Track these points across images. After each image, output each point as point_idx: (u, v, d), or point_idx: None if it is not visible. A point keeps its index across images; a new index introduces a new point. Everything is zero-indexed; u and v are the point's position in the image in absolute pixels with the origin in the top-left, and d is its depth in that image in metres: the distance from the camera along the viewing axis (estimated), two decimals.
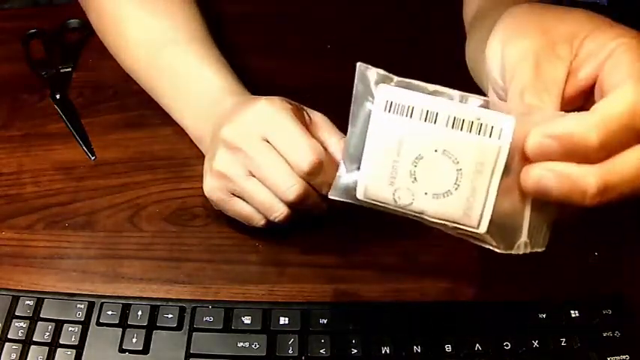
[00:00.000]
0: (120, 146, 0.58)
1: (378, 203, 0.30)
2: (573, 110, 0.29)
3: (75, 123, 0.60)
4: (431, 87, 0.29)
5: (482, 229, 0.29)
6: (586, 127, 0.27)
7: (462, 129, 0.28)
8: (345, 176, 0.31)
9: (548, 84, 0.30)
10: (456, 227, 0.29)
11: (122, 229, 0.53)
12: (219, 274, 0.50)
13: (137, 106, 0.60)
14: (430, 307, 0.47)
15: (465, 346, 0.44)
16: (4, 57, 0.66)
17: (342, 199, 0.32)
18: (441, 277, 0.49)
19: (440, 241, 0.50)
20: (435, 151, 0.28)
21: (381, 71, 0.30)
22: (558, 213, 0.30)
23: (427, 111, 0.28)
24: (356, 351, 0.44)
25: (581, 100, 0.32)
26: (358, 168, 0.30)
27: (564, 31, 0.31)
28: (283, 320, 0.45)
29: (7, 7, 0.73)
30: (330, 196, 0.32)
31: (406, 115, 0.28)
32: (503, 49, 0.32)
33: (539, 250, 0.30)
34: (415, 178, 0.29)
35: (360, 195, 0.30)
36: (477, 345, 0.44)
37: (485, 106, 0.28)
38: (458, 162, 0.28)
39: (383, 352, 0.44)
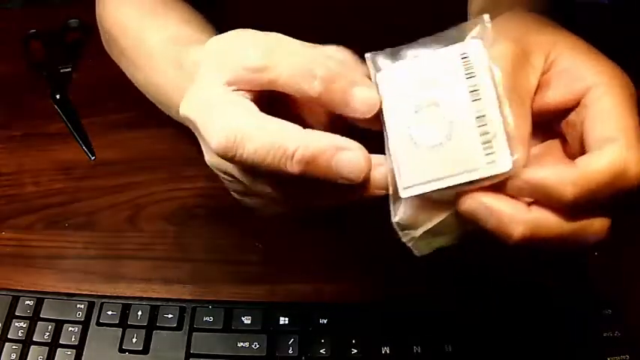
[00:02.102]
0: (120, 146, 0.58)
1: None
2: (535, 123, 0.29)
3: (75, 123, 0.60)
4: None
5: (404, 194, 0.29)
6: (563, 181, 0.27)
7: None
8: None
9: (518, 90, 0.29)
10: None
11: (122, 229, 0.53)
12: (219, 274, 0.50)
13: (137, 106, 0.60)
14: (430, 307, 0.47)
15: (465, 345, 0.44)
16: (4, 57, 0.66)
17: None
18: (441, 278, 0.49)
19: None
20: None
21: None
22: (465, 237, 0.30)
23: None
24: (356, 351, 0.44)
25: (548, 115, 0.31)
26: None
27: (542, 40, 0.31)
28: (283, 320, 0.45)
29: (7, 7, 0.73)
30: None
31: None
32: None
33: (415, 251, 0.31)
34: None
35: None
36: (477, 345, 0.44)
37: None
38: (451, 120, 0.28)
39: (383, 352, 0.44)
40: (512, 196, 0.28)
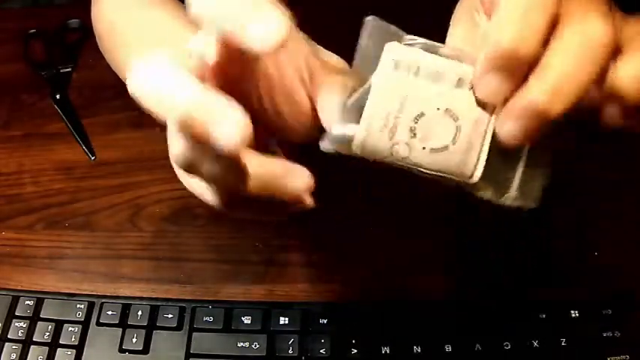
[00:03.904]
0: (120, 146, 0.58)
1: (373, 155, 0.31)
2: None
3: (75, 123, 0.60)
4: (444, 48, 0.29)
5: (475, 179, 0.30)
6: (499, 35, 0.25)
7: (465, 89, 0.28)
8: (340, 127, 0.30)
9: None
10: (450, 178, 0.30)
11: (122, 229, 0.53)
12: (219, 274, 0.50)
13: (137, 106, 0.60)
14: (430, 307, 0.47)
15: (464, 346, 0.44)
16: (4, 57, 0.66)
17: (335, 151, 0.31)
18: (441, 278, 0.49)
19: (440, 242, 0.51)
20: (438, 109, 0.29)
21: (392, 27, 0.30)
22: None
23: (435, 71, 0.29)
24: (356, 351, 0.44)
25: None
26: (356, 121, 0.30)
27: None
28: (283, 320, 0.45)
29: (7, 7, 0.73)
30: (322, 147, 0.31)
31: (413, 74, 0.29)
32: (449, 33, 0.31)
33: (530, 205, 0.31)
34: (414, 134, 0.29)
35: (357, 148, 0.30)
36: (477, 345, 0.44)
37: None
38: (458, 119, 0.29)
39: (383, 352, 0.44)
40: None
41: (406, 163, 0.30)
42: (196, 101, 0.23)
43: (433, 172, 0.30)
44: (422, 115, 0.29)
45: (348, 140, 0.30)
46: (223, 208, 0.30)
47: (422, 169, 0.30)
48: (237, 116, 0.23)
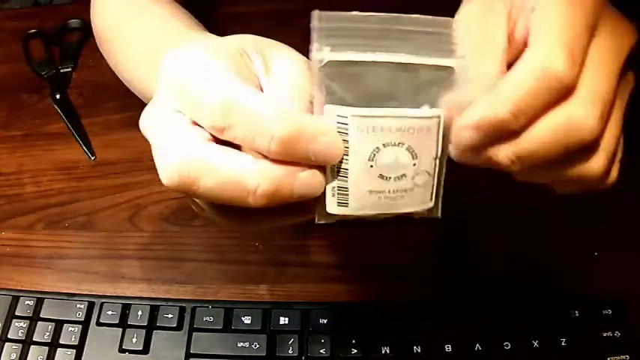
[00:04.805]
0: (120, 146, 0.58)
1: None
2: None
3: (75, 123, 0.60)
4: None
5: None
6: (496, 105, 0.26)
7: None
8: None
9: (487, 47, 0.28)
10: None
11: (122, 229, 0.53)
12: (219, 274, 0.50)
13: (137, 106, 0.60)
14: (430, 307, 0.47)
15: (464, 346, 0.44)
16: (4, 57, 0.66)
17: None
18: (441, 278, 0.49)
19: (440, 242, 0.51)
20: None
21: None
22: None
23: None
24: (356, 351, 0.44)
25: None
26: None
27: None
28: (283, 320, 0.45)
29: (7, 7, 0.73)
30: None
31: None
32: (460, 9, 0.30)
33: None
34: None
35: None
36: (477, 345, 0.44)
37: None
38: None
39: (383, 352, 0.44)
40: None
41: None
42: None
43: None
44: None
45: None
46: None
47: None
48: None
